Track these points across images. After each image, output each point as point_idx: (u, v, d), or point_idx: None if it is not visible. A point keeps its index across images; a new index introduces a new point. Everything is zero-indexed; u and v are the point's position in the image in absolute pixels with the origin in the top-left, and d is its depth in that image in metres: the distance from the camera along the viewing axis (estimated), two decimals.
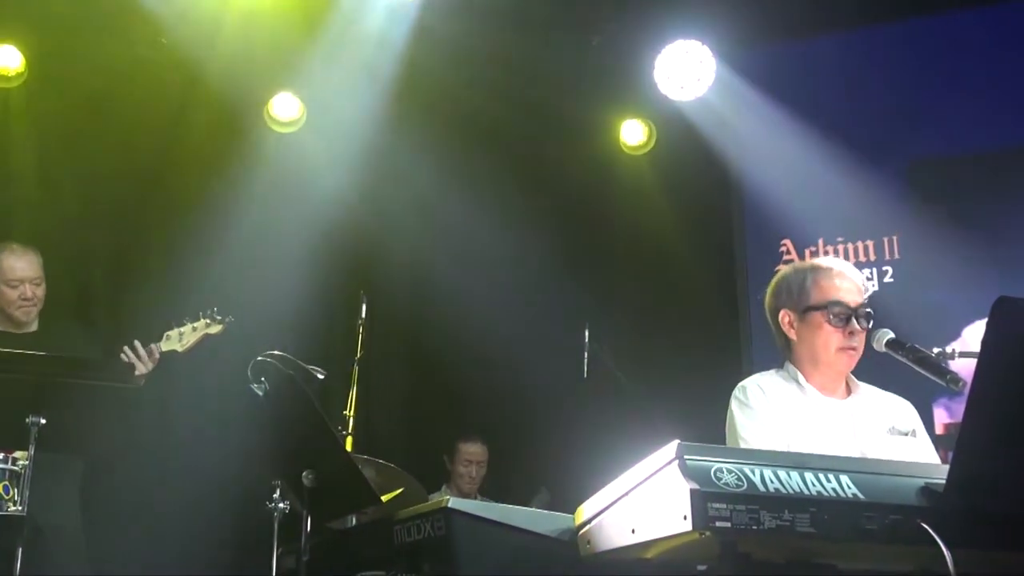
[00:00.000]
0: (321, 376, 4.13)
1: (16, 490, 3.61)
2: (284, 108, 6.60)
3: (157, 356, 4.64)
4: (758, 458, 2.01)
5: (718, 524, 1.89)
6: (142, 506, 6.07)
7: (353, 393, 4.89)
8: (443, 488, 6.08)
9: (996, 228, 5.84)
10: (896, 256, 6.10)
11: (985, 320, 2.01)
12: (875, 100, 6.26)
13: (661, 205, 6.67)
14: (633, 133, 6.89)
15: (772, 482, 1.96)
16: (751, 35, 6.44)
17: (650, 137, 6.87)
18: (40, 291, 4.68)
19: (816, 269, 3.20)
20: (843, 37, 6.39)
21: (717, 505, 1.89)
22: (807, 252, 6.15)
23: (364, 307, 4.91)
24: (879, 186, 6.19)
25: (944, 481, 2.02)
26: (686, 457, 1.95)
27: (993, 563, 2.32)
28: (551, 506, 5.36)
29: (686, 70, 6.42)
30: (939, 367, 2.95)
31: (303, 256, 6.78)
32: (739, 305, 6.35)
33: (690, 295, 6.43)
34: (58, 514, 4.41)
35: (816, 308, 3.11)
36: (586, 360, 5.64)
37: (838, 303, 3.09)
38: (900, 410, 3.22)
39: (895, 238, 6.13)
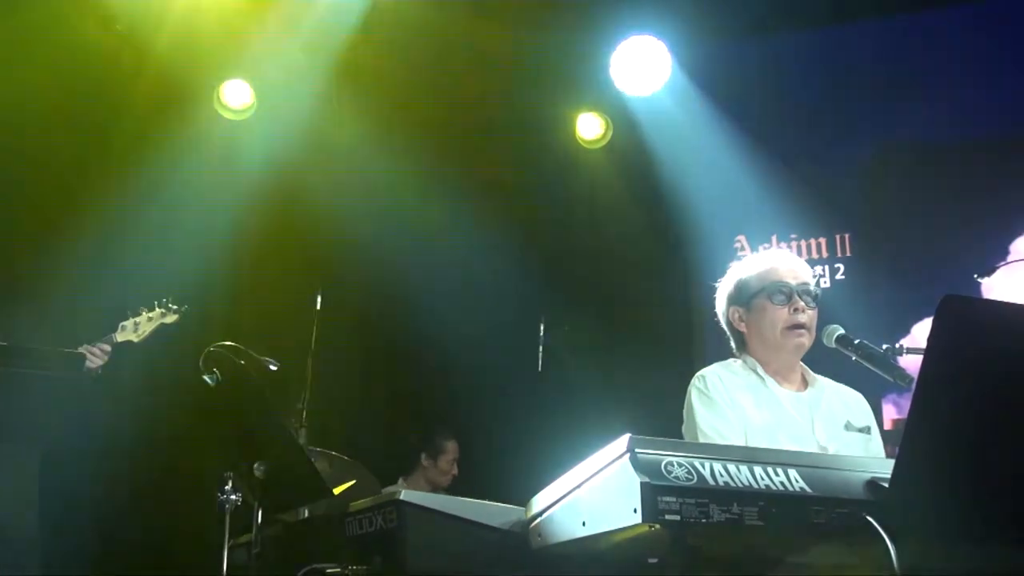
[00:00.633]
0: (274, 368, 4.09)
1: None
2: (235, 95, 6.53)
3: (109, 348, 4.59)
4: (708, 452, 2.02)
5: (668, 517, 1.90)
6: (93, 498, 5.99)
7: (307, 386, 4.85)
8: (400, 481, 6.05)
9: (946, 226, 5.93)
10: (848, 254, 6.18)
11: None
12: (830, 100, 6.32)
13: (617, 198, 6.69)
14: (589, 127, 6.88)
15: (722, 476, 1.97)
16: (708, 32, 6.48)
17: (607, 131, 6.87)
18: None
19: (753, 260, 3.31)
20: (800, 36, 6.45)
21: (667, 498, 1.90)
22: (761, 248, 6.20)
23: (319, 300, 4.87)
24: (832, 185, 6.27)
25: (890, 476, 2.05)
26: (637, 451, 1.96)
27: (936, 557, 2.36)
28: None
29: (642, 65, 6.45)
30: (888, 363, 3.00)
31: (255, 247, 6.74)
32: (692, 299, 6.39)
33: (645, 288, 6.46)
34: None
35: (758, 294, 3.19)
36: (541, 353, 5.66)
37: (776, 283, 3.17)
38: (856, 405, 3.27)
39: (847, 236, 6.20)
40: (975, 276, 4.07)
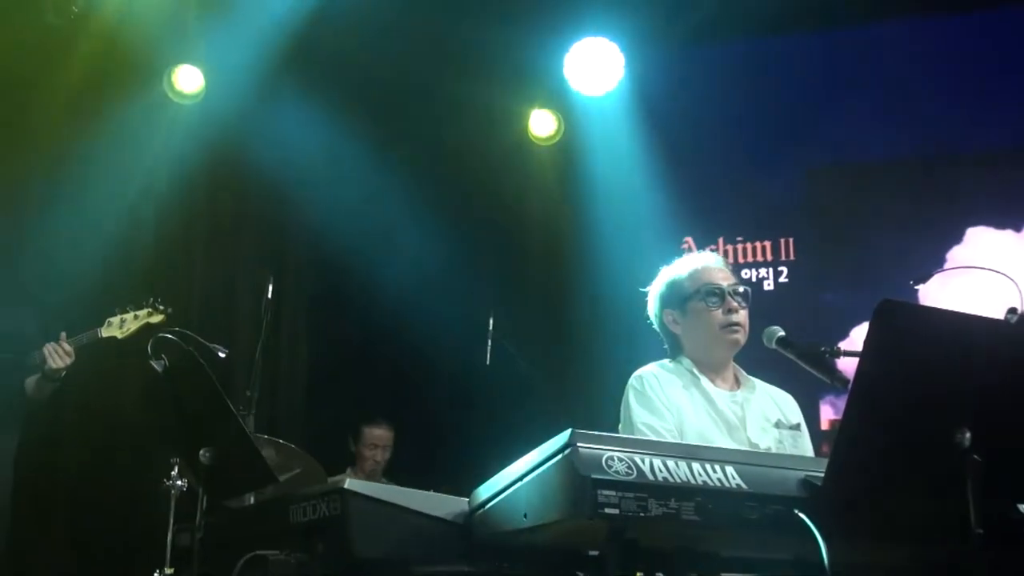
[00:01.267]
0: (223, 355, 4.07)
1: None
2: (187, 80, 6.46)
3: (71, 350, 4.58)
4: (648, 448, 2.03)
5: (607, 511, 1.90)
6: (37, 483, 5.91)
7: (257, 373, 4.82)
8: (348, 471, 6.03)
9: (885, 235, 6.02)
10: (791, 257, 6.25)
11: None
12: (774, 108, 6.40)
13: (568, 196, 6.71)
14: (542, 124, 6.85)
15: (661, 471, 1.98)
16: (661, 37, 6.53)
17: (559, 129, 6.87)
18: None
19: (683, 264, 3.36)
20: (750, 45, 6.51)
21: (607, 492, 1.91)
22: (708, 249, 6.24)
23: (270, 288, 4.84)
24: (778, 190, 6.35)
25: (823, 474, 2.07)
26: (579, 445, 1.97)
27: (864, 553, 2.40)
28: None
29: (595, 66, 6.49)
30: (826, 365, 3.03)
31: (206, 234, 6.68)
32: (639, 299, 6.42)
33: (593, 285, 6.48)
34: None
35: (692, 297, 3.23)
36: (489, 347, 5.67)
37: (709, 285, 3.22)
38: (786, 404, 3.33)
39: (791, 240, 6.28)
40: (911, 283, 4.13)
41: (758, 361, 3.34)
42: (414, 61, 6.45)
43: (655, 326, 3.40)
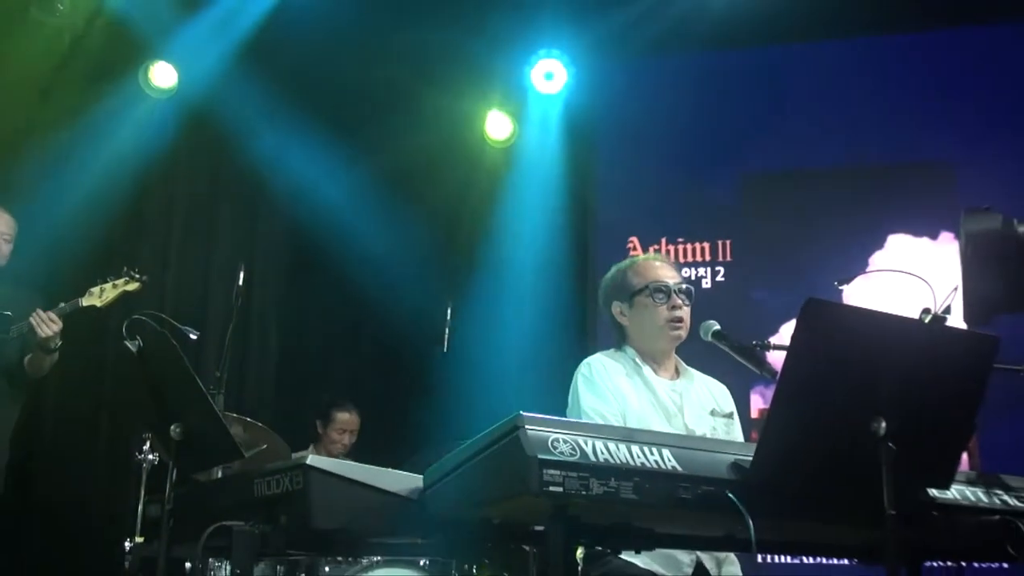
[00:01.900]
0: (194, 337, 4.03)
1: None
2: (161, 76, 6.38)
3: (56, 317, 4.52)
4: (591, 431, 2.03)
5: (552, 489, 1.90)
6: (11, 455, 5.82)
7: (227, 355, 4.77)
8: (310, 448, 5.98)
9: (814, 238, 6.10)
10: (728, 258, 6.30)
11: None
12: (717, 119, 6.45)
13: (521, 196, 6.70)
14: (497, 126, 6.83)
15: (602, 453, 1.99)
16: (610, 49, 6.56)
17: (513, 131, 6.85)
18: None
19: (634, 262, 3.39)
20: (693, 59, 6.56)
21: (552, 471, 1.91)
22: (651, 249, 6.29)
23: (241, 275, 4.79)
24: (717, 196, 6.40)
25: (751, 458, 2.09)
26: (527, 427, 1.96)
27: (787, 531, 2.43)
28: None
29: (548, 74, 6.52)
30: (757, 358, 3.07)
31: (181, 222, 6.61)
32: (587, 293, 6.46)
33: (544, 282, 6.49)
34: None
35: (639, 291, 3.25)
36: (447, 336, 5.66)
37: (657, 282, 3.24)
38: (721, 394, 3.36)
39: (728, 242, 6.32)
40: (836, 283, 4.18)
41: (696, 352, 3.37)
42: (376, 60, 6.42)
43: (605, 317, 3.41)
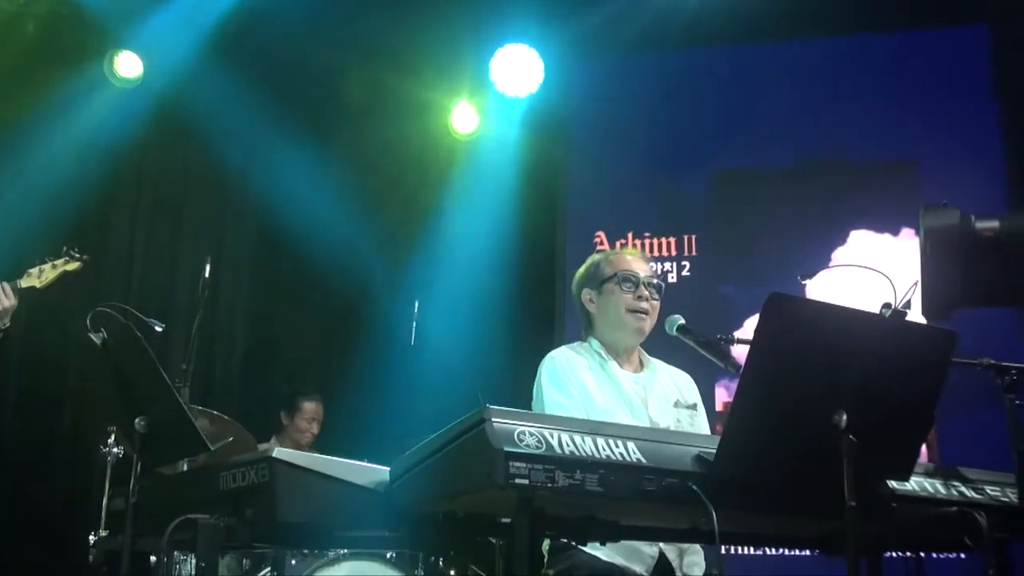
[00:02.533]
0: (159, 329, 3.97)
1: None
2: (126, 65, 6.30)
3: (11, 293, 4.41)
4: (556, 423, 2.04)
5: (518, 481, 1.91)
6: None
7: (192, 348, 4.72)
8: (272, 439, 5.94)
9: (778, 234, 6.14)
10: (694, 253, 6.33)
11: None
12: (685, 117, 6.48)
13: (489, 190, 6.69)
14: (464, 119, 6.78)
15: (568, 445, 1.99)
16: (581, 47, 6.56)
17: (479, 124, 6.83)
18: None
19: (608, 253, 3.44)
20: (662, 58, 6.58)
21: (518, 464, 1.92)
22: (617, 243, 6.31)
23: (207, 268, 4.74)
24: (683, 191, 6.43)
25: (715, 451, 2.11)
26: (493, 420, 1.97)
27: (750, 523, 2.46)
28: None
29: (519, 69, 6.51)
30: (720, 351, 3.08)
31: (147, 213, 6.55)
32: (555, 287, 6.47)
33: (511, 275, 6.48)
34: None
35: (608, 279, 3.28)
36: (414, 329, 5.65)
37: (626, 271, 3.27)
38: (686, 385, 3.37)
39: (694, 237, 6.36)
40: (799, 278, 4.21)
41: (661, 347, 3.39)
42: (345, 52, 6.38)
43: (576, 306, 3.42)
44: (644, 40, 6.30)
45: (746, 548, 5.23)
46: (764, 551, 5.27)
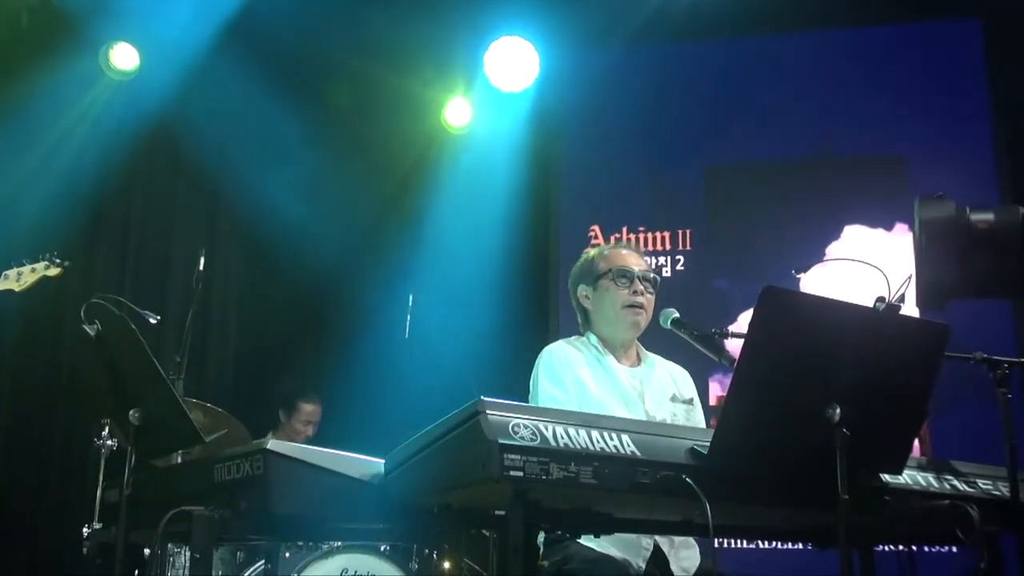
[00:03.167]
0: (154, 321, 3.97)
1: None
2: (122, 57, 6.27)
3: None
4: (551, 416, 2.04)
5: (512, 473, 1.91)
6: None
7: (187, 340, 4.72)
8: (270, 435, 5.94)
9: (772, 228, 6.14)
10: (688, 247, 6.33)
11: None
12: (680, 111, 6.47)
13: (484, 183, 6.67)
14: (458, 113, 6.75)
15: (562, 438, 1.99)
16: (575, 39, 6.55)
17: (475, 119, 6.80)
18: None
19: (603, 248, 3.43)
20: (657, 50, 6.56)
21: (512, 456, 1.92)
22: (612, 238, 6.30)
23: (202, 260, 4.73)
24: (678, 185, 6.43)
25: (709, 444, 2.11)
26: (488, 412, 1.97)
27: (744, 516, 2.46)
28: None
29: (513, 63, 6.49)
30: (715, 345, 3.08)
31: (141, 205, 6.53)
32: (549, 280, 6.47)
33: (506, 268, 6.47)
34: None
35: (604, 275, 3.29)
36: (409, 322, 5.64)
37: (621, 267, 3.28)
38: (682, 379, 3.38)
39: (688, 231, 6.35)
40: (793, 271, 4.22)
41: (655, 340, 3.39)
42: (341, 43, 6.36)
43: (572, 303, 3.43)
44: (638, 34, 6.28)
45: (740, 541, 5.25)
46: (757, 544, 5.28)
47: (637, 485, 2.03)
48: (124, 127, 6.24)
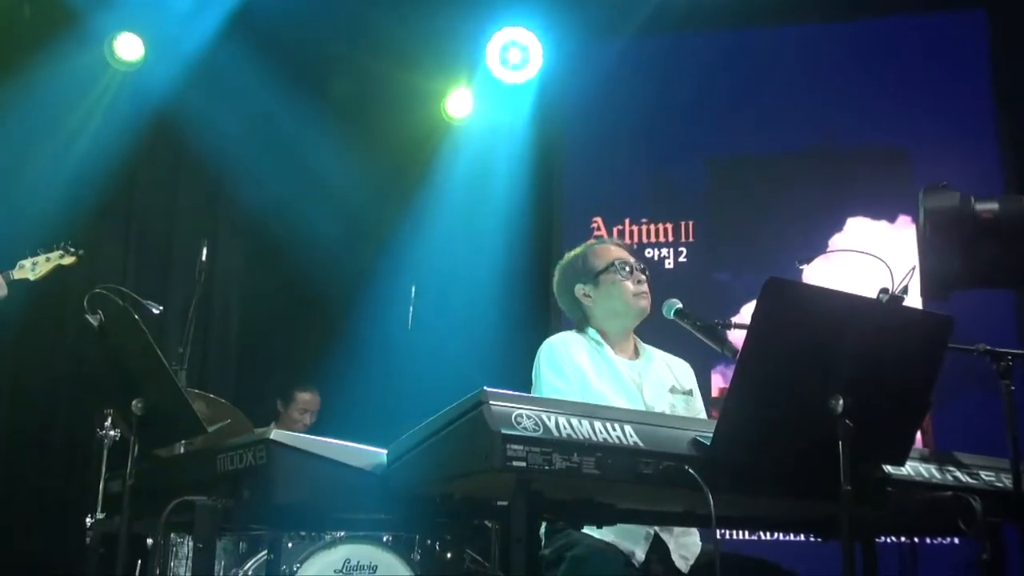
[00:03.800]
0: (156, 311, 3.97)
1: None
2: (126, 48, 6.27)
3: (2, 283, 4.40)
4: (554, 406, 2.04)
5: (515, 464, 1.91)
6: None
7: (189, 331, 4.72)
8: (272, 426, 5.94)
9: (775, 220, 6.14)
10: (691, 239, 6.32)
11: None
12: (682, 103, 6.45)
13: (487, 174, 6.66)
14: (462, 103, 6.73)
15: (565, 428, 1.99)
16: (577, 31, 6.54)
17: (478, 110, 6.77)
18: None
19: (591, 246, 3.46)
20: (659, 42, 6.54)
21: (515, 447, 1.91)
22: (615, 230, 6.31)
23: (204, 251, 4.74)
24: (680, 177, 6.42)
25: (711, 435, 2.11)
26: (491, 402, 1.97)
27: (746, 506, 2.46)
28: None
29: (516, 53, 6.48)
30: (718, 336, 3.09)
31: (144, 195, 6.53)
32: (551, 273, 6.41)
33: (508, 259, 6.47)
34: None
35: (605, 270, 3.31)
36: (411, 313, 5.65)
37: (619, 259, 3.32)
38: (681, 370, 3.39)
39: (691, 223, 6.35)
40: (796, 263, 4.21)
41: (657, 331, 3.39)
42: (344, 35, 6.35)
43: (562, 303, 3.45)
44: (641, 26, 6.27)
45: (742, 532, 5.25)
46: (760, 535, 5.29)
47: (640, 476, 2.03)
48: (128, 118, 6.24)
